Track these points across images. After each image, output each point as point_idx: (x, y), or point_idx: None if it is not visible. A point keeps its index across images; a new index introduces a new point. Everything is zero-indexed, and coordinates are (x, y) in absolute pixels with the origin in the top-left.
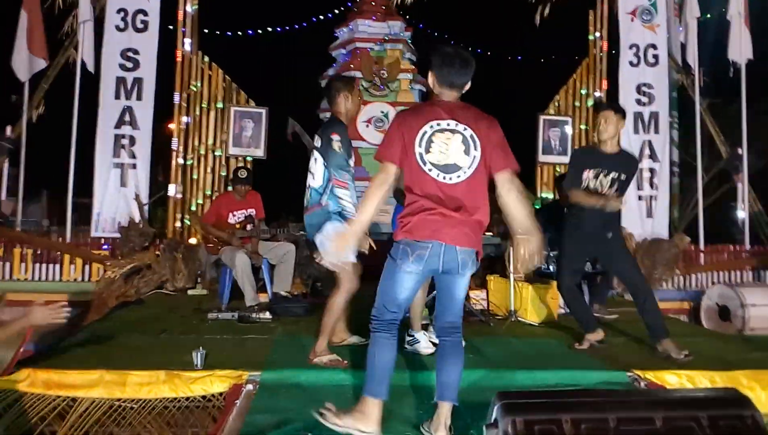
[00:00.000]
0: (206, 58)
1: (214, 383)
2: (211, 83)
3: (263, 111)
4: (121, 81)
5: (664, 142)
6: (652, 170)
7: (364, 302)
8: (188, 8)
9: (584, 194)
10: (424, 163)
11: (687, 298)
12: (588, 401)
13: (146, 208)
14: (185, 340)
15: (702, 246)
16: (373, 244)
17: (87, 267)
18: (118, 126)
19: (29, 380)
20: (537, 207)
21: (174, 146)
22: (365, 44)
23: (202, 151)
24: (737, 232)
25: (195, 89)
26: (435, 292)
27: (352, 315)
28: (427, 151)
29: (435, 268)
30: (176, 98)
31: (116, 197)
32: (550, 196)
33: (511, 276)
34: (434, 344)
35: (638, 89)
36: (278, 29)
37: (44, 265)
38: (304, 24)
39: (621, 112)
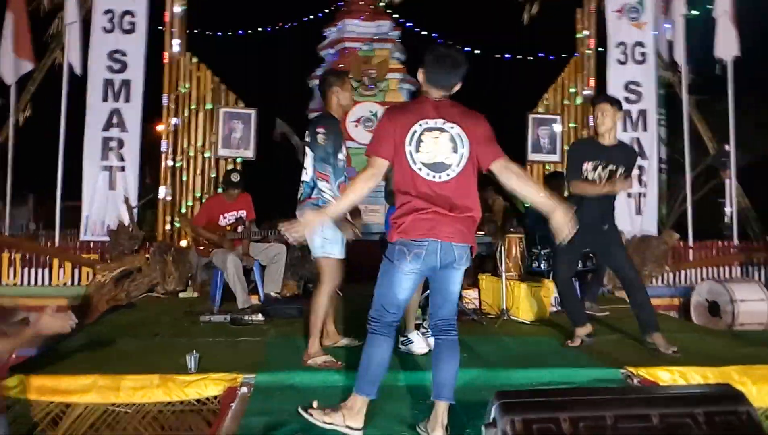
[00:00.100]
0: (194, 60)
1: (209, 386)
2: (200, 84)
3: (252, 112)
4: (108, 83)
5: (652, 139)
6: (640, 168)
7: (358, 303)
8: (176, 9)
9: (587, 184)
10: (414, 163)
11: (676, 295)
12: (585, 399)
13: (135, 210)
14: (178, 343)
15: (691, 242)
16: (359, 233)
17: (76, 271)
18: (106, 128)
19: (22, 386)
20: (527, 206)
21: (163, 148)
22: (354, 44)
23: (192, 153)
24: (725, 228)
25: (183, 91)
26: (428, 291)
27: (348, 316)
28: (417, 150)
29: (433, 266)
30: (165, 100)
31: (105, 200)
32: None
33: (503, 275)
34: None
35: (626, 87)
36: (267, 29)
37: (33, 270)
38: (295, 23)
39: (617, 104)
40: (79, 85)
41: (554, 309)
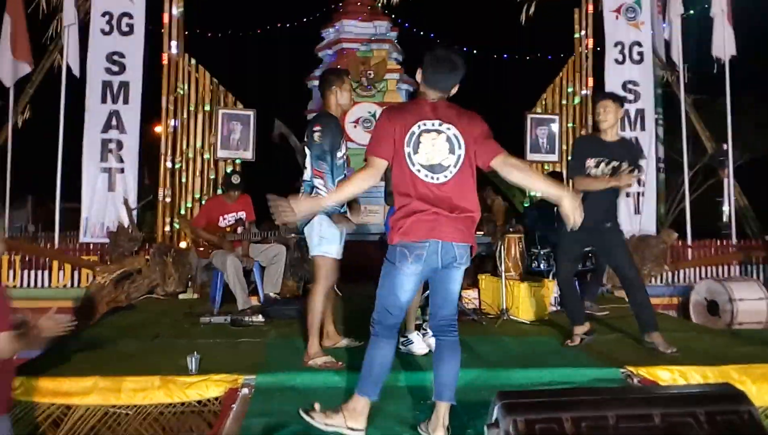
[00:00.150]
0: (193, 61)
1: (210, 388)
2: (198, 86)
3: (251, 113)
4: (107, 85)
5: (650, 138)
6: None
7: (357, 303)
8: (174, 11)
9: (591, 179)
10: (413, 164)
11: (675, 294)
12: (587, 399)
13: (135, 212)
14: (178, 344)
15: (689, 241)
16: (354, 224)
17: (76, 273)
18: (105, 130)
19: (22, 388)
20: (526, 205)
21: (162, 150)
22: (352, 45)
23: (191, 155)
24: (723, 227)
25: (182, 92)
26: (428, 292)
27: (348, 317)
28: (416, 151)
29: (435, 266)
30: (163, 101)
31: (104, 202)
32: (539, 193)
33: (503, 275)
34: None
35: (624, 87)
36: (265, 30)
37: (32, 272)
38: (294, 24)
39: (619, 101)
40: (78, 87)
41: (554, 309)
